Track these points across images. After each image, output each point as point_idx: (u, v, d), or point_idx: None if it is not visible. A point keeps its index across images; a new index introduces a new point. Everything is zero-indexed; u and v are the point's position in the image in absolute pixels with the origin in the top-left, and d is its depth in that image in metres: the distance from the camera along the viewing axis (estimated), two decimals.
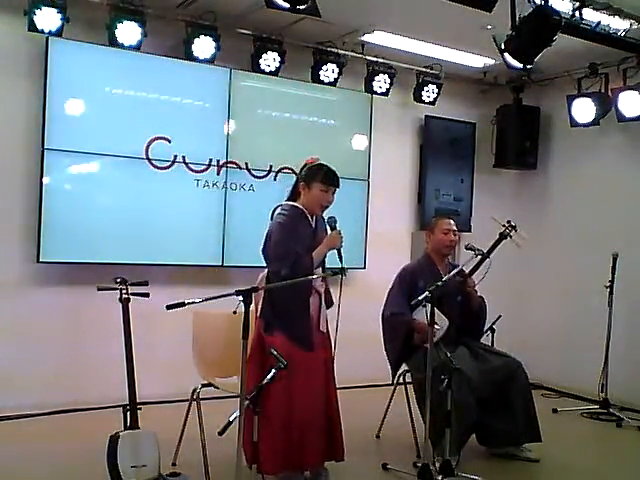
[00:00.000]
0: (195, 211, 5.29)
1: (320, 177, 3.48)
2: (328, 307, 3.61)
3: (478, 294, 4.30)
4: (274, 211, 3.60)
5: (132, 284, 3.54)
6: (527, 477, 4.05)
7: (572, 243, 6.33)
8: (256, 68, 5.44)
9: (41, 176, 4.75)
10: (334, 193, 3.52)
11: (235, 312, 2.75)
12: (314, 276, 3.25)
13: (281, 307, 3.41)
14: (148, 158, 5.09)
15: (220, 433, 2.64)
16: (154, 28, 4.99)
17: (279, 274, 3.34)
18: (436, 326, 3.85)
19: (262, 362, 3.33)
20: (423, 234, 4.50)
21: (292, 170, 5.47)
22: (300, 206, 3.52)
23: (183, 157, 5.22)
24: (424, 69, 6.21)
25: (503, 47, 4.17)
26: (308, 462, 3.45)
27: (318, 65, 5.68)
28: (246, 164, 5.50)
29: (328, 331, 3.59)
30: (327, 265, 3.53)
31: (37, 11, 4.51)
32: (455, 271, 3.95)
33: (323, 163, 3.57)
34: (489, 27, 4.84)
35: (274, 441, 3.29)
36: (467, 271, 4.19)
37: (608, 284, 5.28)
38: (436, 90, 6.23)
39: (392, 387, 4.41)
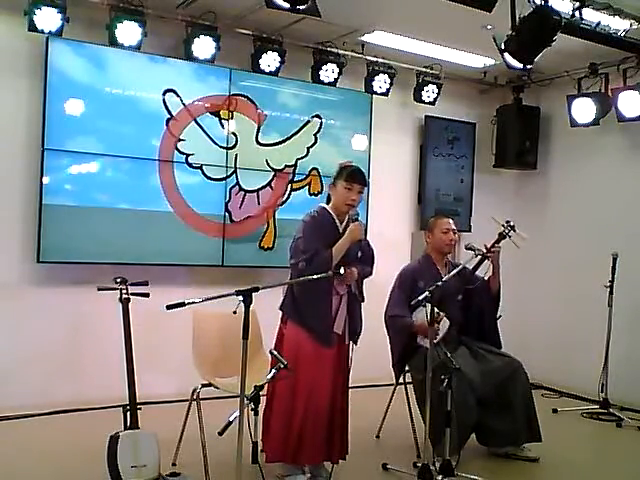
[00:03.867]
0: (195, 210, 5.29)
1: (344, 175, 3.55)
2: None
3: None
4: None
5: (132, 284, 3.54)
6: (527, 477, 4.05)
7: (572, 243, 6.33)
8: (256, 68, 5.44)
9: (41, 176, 4.74)
10: (360, 193, 3.56)
11: (235, 312, 2.76)
12: (316, 276, 3.24)
13: (298, 299, 3.49)
14: (148, 158, 5.09)
15: (220, 433, 2.64)
16: (154, 28, 4.99)
17: (297, 267, 3.43)
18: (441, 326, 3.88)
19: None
20: (423, 234, 4.49)
21: (292, 166, 5.53)
22: (329, 208, 3.61)
23: (184, 156, 5.23)
24: (424, 69, 6.21)
25: (503, 47, 4.16)
26: (302, 460, 3.50)
27: (318, 65, 5.68)
28: (247, 164, 5.50)
29: (346, 336, 3.63)
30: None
31: (37, 11, 4.51)
32: (455, 271, 3.94)
33: (353, 165, 3.63)
34: (489, 27, 4.84)
35: (274, 432, 3.46)
36: (489, 245, 4.17)
37: (608, 284, 5.28)
38: (436, 90, 6.22)
39: (392, 387, 4.42)
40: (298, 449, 3.44)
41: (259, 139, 5.52)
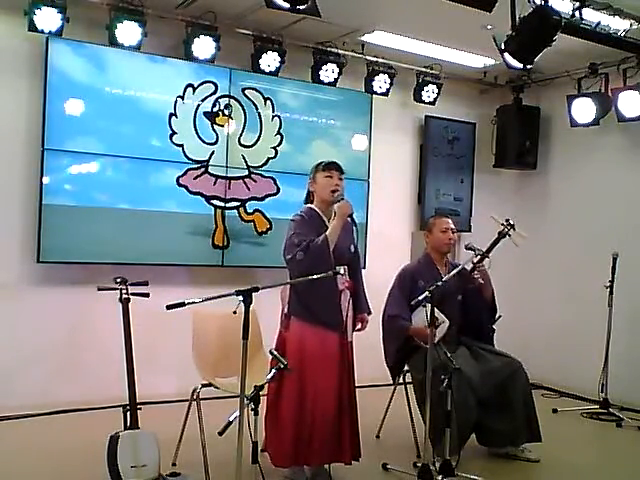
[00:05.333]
0: (195, 211, 5.30)
1: (321, 167, 3.65)
2: (365, 312, 3.74)
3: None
4: None
5: (132, 284, 3.54)
6: (527, 477, 4.05)
7: (572, 243, 6.33)
8: (256, 68, 5.44)
9: (41, 176, 4.75)
10: (341, 179, 3.62)
11: (235, 312, 2.76)
12: (316, 276, 3.24)
13: (302, 294, 3.50)
14: (148, 158, 5.09)
15: (220, 433, 2.63)
16: (154, 28, 4.99)
17: (295, 260, 3.44)
18: (442, 323, 3.89)
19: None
20: (423, 234, 4.49)
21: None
22: (314, 207, 3.65)
23: (184, 156, 5.23)
24: (424, 69, 6.21)
25: (503, 47, 4.16)
26: (313, 460, 3.50)
27: (318, 65, 5.68)
28: (246, 164, 5.51)
29: (348, 334, 3.63)
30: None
31: (37, 11, 4.51)
32: (455, 271, 3.94)
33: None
34: (489, 27, 4.84)
35: (283, 436, 3.45)
36: (483, 250, 4.16)
37: (608, 284, 5.28)
38: (436, 90, 6.23)
39: (392, 387, 4.42)
40: (309, 450, 3.44)
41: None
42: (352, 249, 3.68)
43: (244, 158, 5.50)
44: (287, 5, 3.69)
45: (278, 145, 5.65)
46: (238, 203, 5.48)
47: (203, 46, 5.12)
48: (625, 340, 5.59)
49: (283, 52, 5.44)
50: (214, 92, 5.35)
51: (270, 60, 5.42)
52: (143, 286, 3.58)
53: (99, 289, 3.56)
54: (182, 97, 5.22)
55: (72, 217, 4.83)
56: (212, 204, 5.37)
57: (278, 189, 5.63)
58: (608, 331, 5.31)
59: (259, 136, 5.56)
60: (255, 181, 5.56)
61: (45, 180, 4.75)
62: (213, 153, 5.35)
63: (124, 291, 3.49)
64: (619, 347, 5.42)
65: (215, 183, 5.37)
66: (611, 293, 5.29)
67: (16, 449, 4.05)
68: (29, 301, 4.83)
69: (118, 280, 3.52)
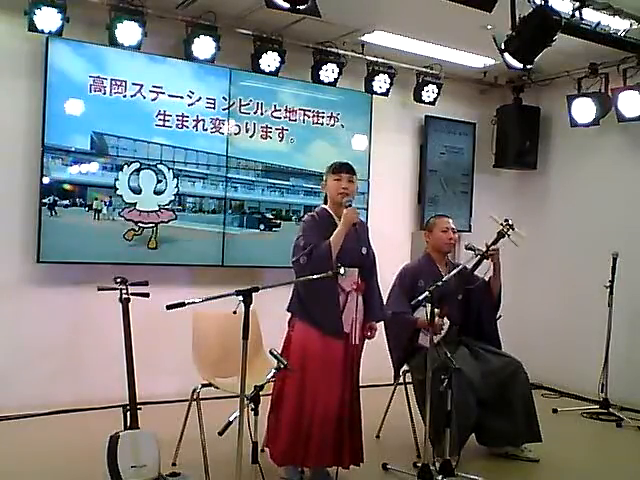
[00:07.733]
0: (195, 211, 5.30)
1: (331, 169, 3.68)
2: (375, 319, 3.69)
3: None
4: None
5: (132, 284, 3.54)
6: (527, 477, 4.05)
7: (572, 243, 6.33)
8: (256, 68, 5.43)
9: (41, 176, 4.75)
10: (351, 181, 3.64)
11: (235, 312, 2.76)
12: (316, 276, 3.24)
13: (304, 296, 3.51)
14: (148, 158, 5.10)
15: (220, 433, 2.64)
16: (154, 28, 4.99)
17: (299, 263, 3.46)
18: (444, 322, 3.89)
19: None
20: (423, 234, 4.49)
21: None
22: (327, 207, 3.68)
23: (183, 157, 5.23)
24: (424, 69, 6.21)
25: (503, 47, 4.16)
26: (309, 462, 3.49)
27: (318, 65, 5.68)
28: (246, 164, 5.50)
29: (354, 337, 3.56)
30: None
31: (37, 11, 4.51)
32: (455, 271, 3.94)
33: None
34: (489, 27, 4.84)
35: (281, 435, 3.46)
36: (489, 243, 4.16)
37: (608, 284, 5.28)
38: (436, 90, 6.23)
39: (392, 387, 4.42)
40: (306, 450, 3.43)
41: None
42: (364, 251, 3.64)
43: (244, 158, 5.48)
44: (287, 5, 3.69)
45: (278, 145, 5.64)
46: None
47: (203, 46, 5.12)
48: (625, 340, 5.59)
49: (283, 52, 5.43)
50: (214, 92, 5.33)
51: (270, 60, 5.42)
52: (143, 286, 3.58)
53: (99, 289, 3.56)
54: (182, 97, 5.21)
55: (72, 217, 4.82)
56: (213, 204, 5.37)
57: None
58: (608, 331, 5.31)
59: (259, 136, 5.55)
60: None
61: (45, 180, 4.75)
62: (213, 154, 5.34)
63: (124, 291, 3.49)
64: (619, 347, 5.42)
65: (216, 184, 5.36)
66: (611, 293, 5.29)
67: (16, 449, 4.05)
68: (29, 301, 4.83)
69: (118, 280, 3.52)
